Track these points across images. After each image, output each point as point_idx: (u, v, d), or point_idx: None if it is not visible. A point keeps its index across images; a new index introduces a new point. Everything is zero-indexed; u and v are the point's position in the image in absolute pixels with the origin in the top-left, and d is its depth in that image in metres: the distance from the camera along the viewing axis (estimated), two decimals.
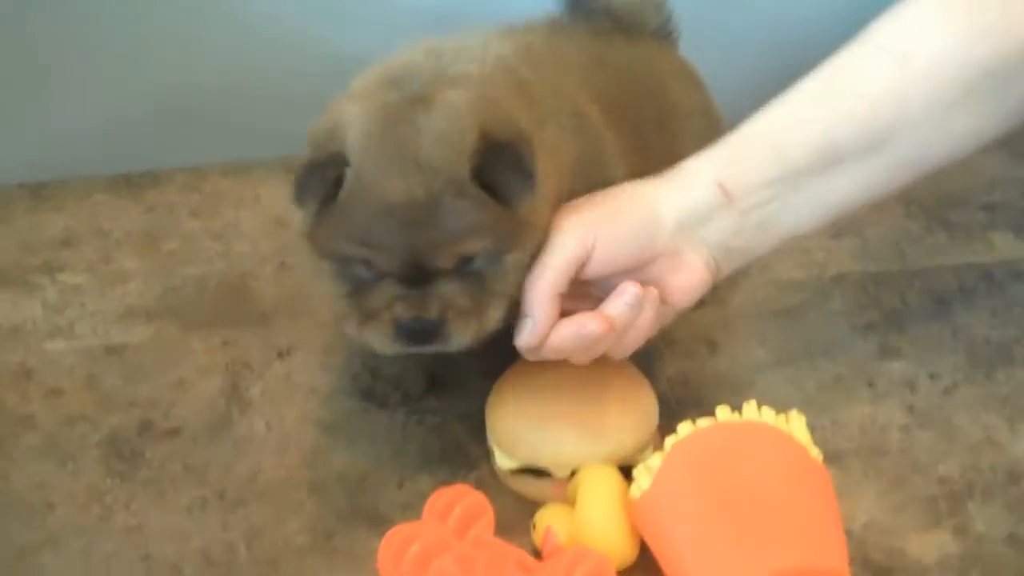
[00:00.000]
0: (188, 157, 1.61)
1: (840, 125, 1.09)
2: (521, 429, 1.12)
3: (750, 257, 1.14)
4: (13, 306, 1.40)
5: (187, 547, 1.11)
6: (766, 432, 1.07)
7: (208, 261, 1.45)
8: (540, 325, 1.05)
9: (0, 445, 1.22)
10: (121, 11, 1.54)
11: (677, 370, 1.28)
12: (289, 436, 1.22)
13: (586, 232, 1.06)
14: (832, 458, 1.17)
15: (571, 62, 1.21)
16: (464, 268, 1.03)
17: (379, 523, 1.12)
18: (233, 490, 1.17)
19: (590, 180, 1.12)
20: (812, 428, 1.19)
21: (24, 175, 1.60)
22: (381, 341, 1.05)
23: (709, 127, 1.31)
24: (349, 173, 1.01)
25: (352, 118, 1.03)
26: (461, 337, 1.04)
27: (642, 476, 1.06)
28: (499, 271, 1.05)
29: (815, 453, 1.08)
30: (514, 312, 1.08)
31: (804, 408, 1.21)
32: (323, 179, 1.01)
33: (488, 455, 1.18)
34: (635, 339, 1.08)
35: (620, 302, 1.05)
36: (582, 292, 1.09)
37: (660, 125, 1.28)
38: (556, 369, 1.15)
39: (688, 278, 1.09)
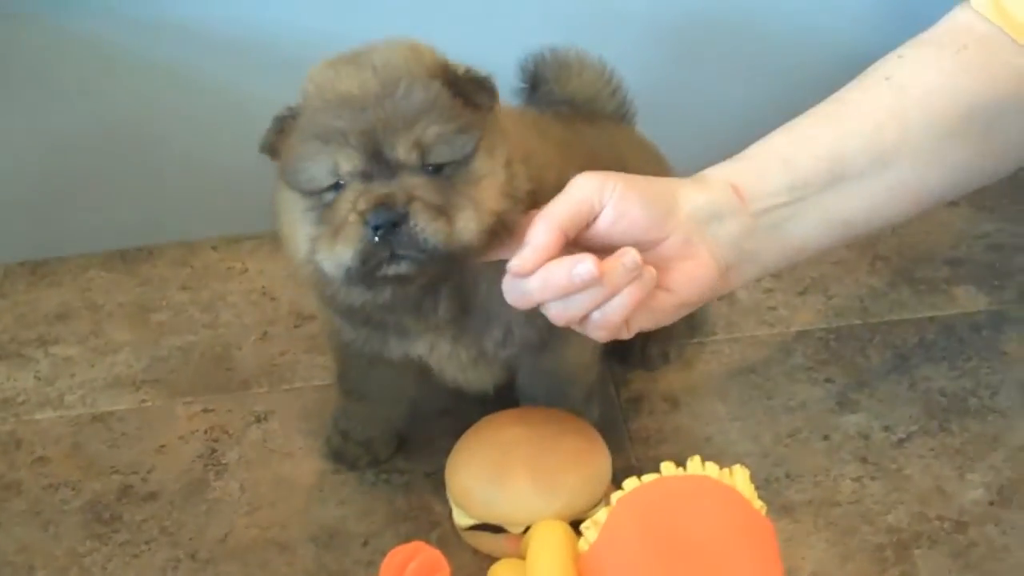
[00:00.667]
0: (182, 232, 1.67)
1: (846, 141, 1.13)
2: (476, 486, 1.16)
3: (761, 266, 1.14)
4: (7, 378, 1.46)
5: None
6: (709, 486, 1.10)
7: (194, 332, 1.51)
8: (533, 249, 1.04)
9: None
10: (119, 102, 1.61)
11: (639, 427, 1.32)
12: (262, 498, 1.27)
13: (604, 182, 1.07)
14: (784, 510, 1.21)
15: (554, 133, 1.25)
16: (430, 170, 1.04)
17: None
18: (205, 550, 1.21)
19: None
20: (766, 480, 1.24)
21: (25, 253, 1.66)
22: (350, 246, 1.03)
23: None
24: (305, 100, 1.06)
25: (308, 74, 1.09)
26: (428, 232, 1.02)
27: (589, 530, 1.10)
28: (467, 176, 1.06)
29: (759, 505, 1.11)
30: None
31: (760, 461, 1.27)
32: (279, 119, 1.08)
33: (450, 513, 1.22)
34: (620, 309, 1.05)
35: (618, 261, 1.04)
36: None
37: None
38: (512, 428, 1.20)
39: (696, 268, 1.09)
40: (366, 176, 1.05)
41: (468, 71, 1.09)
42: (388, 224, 1.02)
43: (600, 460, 1.19)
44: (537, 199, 1.09)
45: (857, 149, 1.13)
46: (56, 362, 1.48)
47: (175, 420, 1.38)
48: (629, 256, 1.04)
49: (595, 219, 1.07)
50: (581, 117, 1.35)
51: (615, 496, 1.11)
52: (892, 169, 1.13)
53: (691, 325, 1.43)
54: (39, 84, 1.58)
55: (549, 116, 1.31)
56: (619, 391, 1.37)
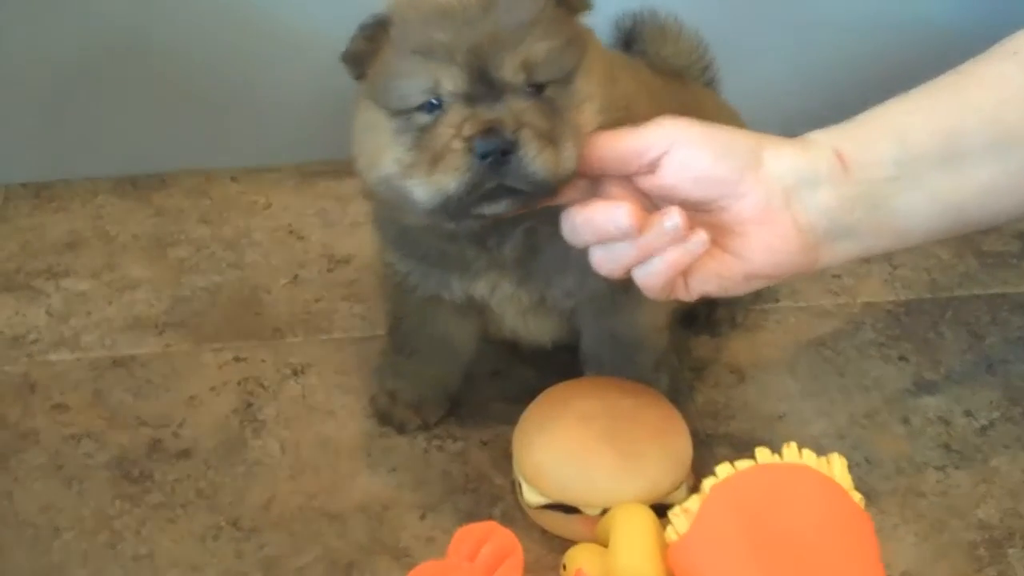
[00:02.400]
0: (197, 159, 1.56)
1: (965, 116, 1.01)
2: (550, 463, 1.08)
3: (858, 245, 1.03)
4: (15, 313, 1.35)
5: None
6: (808, 476, 1.03)
7: (219, 271, 1.41)
8: (583, 156, 0.98)
9: (2, 461, 1.17)
10: (130, 9, 1.49)
11: (706, 400, 1.24)
12: (305, 461, 1.17)
13: (674, 125, 0.99)
14: (869, 498, 1.13)
15: (642, 78, 1.18)
16: (534, 91, 0.98)
17: (401, 557, 1.08)
18: (247, 518, 1.12)
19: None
20: (847, 466, 1.16)
21: (27, 174, 1.55)
22: (454, 176, 0.96)
23: None
24: (395, 10, 0.98)
25: None
26: (538, 163, 0.95)
27: (678, 519, 1.02)
28: (571, 99, 0.99)
29: (857, 498, 1.04)
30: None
31: (837, 443, 1.19)
32: (368, 26, 0.99)
33: (513, 487, 1.14)
34: (662, 271, 0.97)
35: (658, 220, 0.96)
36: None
37: None
38: (586, 400, 1.12)
39: (773, 237, 0.99)
40: (469, 98, 0.96)
41: None
42: (497, 152, 0.95)
43: (682, 436, 1.11)
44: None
45: (976, 126, 1.01)
46: (69, 297, 1.37)
47: (204, 368, 1.28)
48: (670, 217, 0.95)
49: (658, 166, 0.99)
50: (674, 75, 1.28)
51: (708, 483, 1.03)
52: (1015, 152, 1.02)
53: (757, 290, 1.35)
54: None
55: (641, 63, 1.23)
56: (682, 360, 1.29)
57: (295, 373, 1.27)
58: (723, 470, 1.04)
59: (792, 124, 1.43)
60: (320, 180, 1.54)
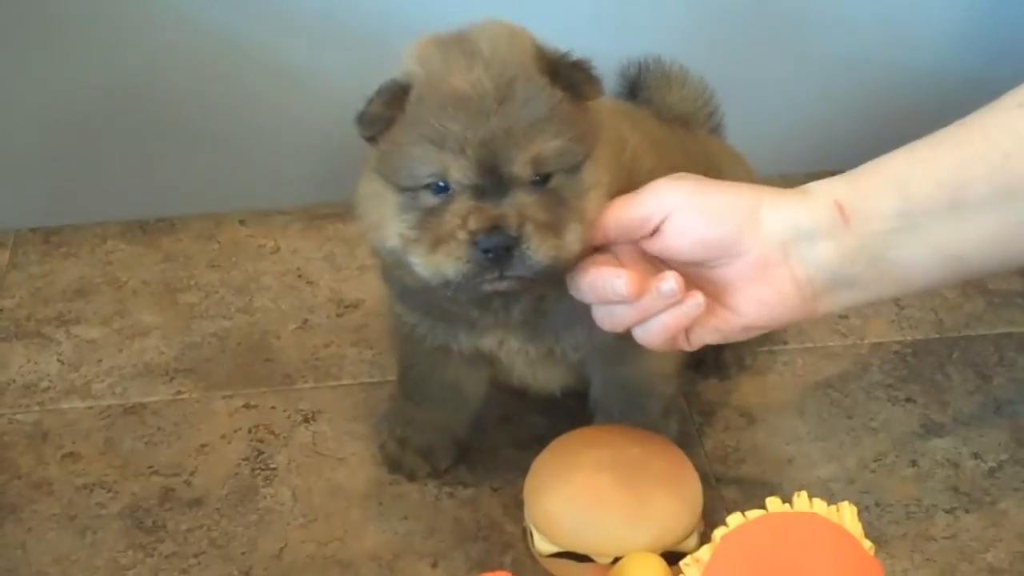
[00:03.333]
0: (204, 203, 1.57)
1: (970, 167, 1.01)
2: (562, 512, 1.08)
3: (857, 294, 1.04)
4: (27, 361, 1.35)
5: None
6: (818, 525, 1.03)
7: (228, 316, 1.41)
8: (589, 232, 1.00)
9: (15, 511, 1.18)
10: (137, 55, 1.50)
11: (715, 444, 1.25)
12: (316, 509, 1.18)
13: (672, 191, 1.01)
14: (879, 542, 1.14)
15: (647, 127, 1.19)
16: (541, 184, 0.99)
17: None
18: (260, 567, 1.13)
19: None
20: (857, 510, 1.16)
21: (36, 220, 1.56)
22: (455, 264, 0.98)
23: None
24: (414, 84, 0.99)
25: (407, 55, 1.01)
26: (540, 255, 0.98)
27: (690, 569, 1.02)
28: (577, 188, 1.00)
29: (868, 546, 1.05)
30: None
31: (846, 487, 1.20)
32: (387, 90, 0.99)
33: (524, 534, 1.14)
34: (660, 331, 1.00)
35: (656, 285, 0.98)
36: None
37: None
38: (596, 449, 1.13)
39: (769, 294, 1.01)
40: (477, 189, 0.98)
41: (570, 58, 1.02)
42: (500, 248, 0.97)
43: (692, 483, 1.11)
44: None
45: (980, 177, 1.01)
46: (79, 345, 1.38)
47: (215, 416, 1.28)
48: (666, 282, 0.98)
49: (657, 230, 1.01)
50: (678, 121, 1.29)
51: (718, 533, 1.04)
52: (1018, 203, 1.01)
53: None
54: (56, 36, 1.46)
55: (646, 112, 1.24)
56: (691, 403, 1.29)
57: (305, 420, 1.28)
58: (734, 519, 1.04)
59: (795, 165, 1.45)
60: (328, 223, 1.55)
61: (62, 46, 1.47)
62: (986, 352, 1.35)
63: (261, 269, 1.48)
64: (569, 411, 1.21)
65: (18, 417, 1.28)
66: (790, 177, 1.55)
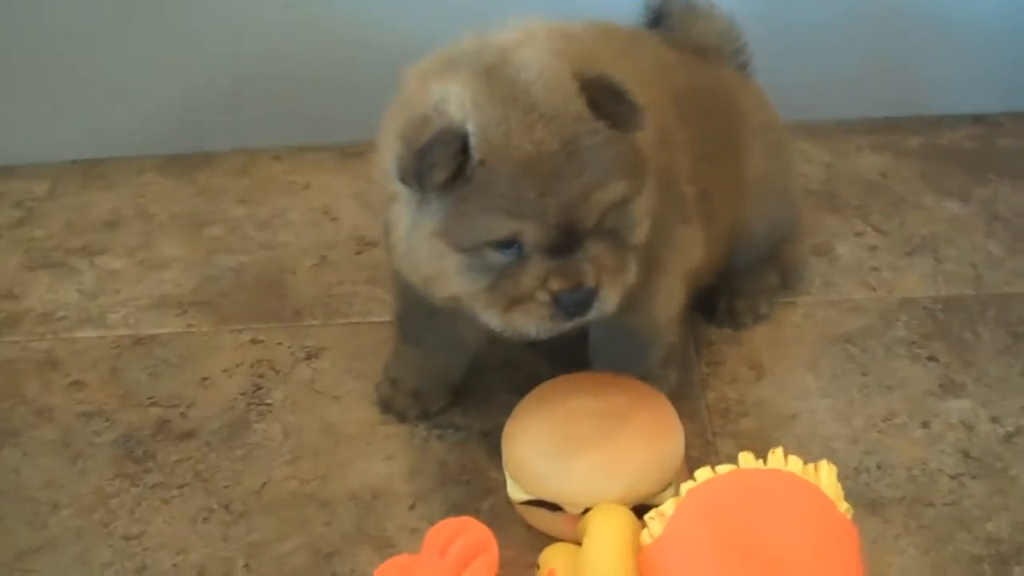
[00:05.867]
0: (242, 139, 1.57)
1: None
2: (533, 459, 1.06)
3: None
4: (48, 290, 1.38)
5: (185, 560, 1.08)
6: (790, 484, 0.99)
7: (249, 251, 1.42)
8: None
9: (15, 436, 1.20)
10: None
11: (718, 396, 1.21)
12: (305, 446, 1.18)
13: None
14: (872, 506, 1.09)
15: (647, 53, 1.17)
16: (600, 226, 0.98)
17: (383, 547, 1.08)
18: (240, 501, 1.13)
19: (658, 173, 1.06)
20: (855, 470, 1.13)
21: (78, 152, 1.57)
22: (536, 323, 0.99)
23: (776, 142, 1.27)
24: (472, 142, 0.95)
25: (452, 96, 0.97)
26: (612, 299, 0.99)
27: (654, 523, 0.99)
28: (629, 221, 1.01)
29: (844, 508, 1.00)
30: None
31: (849, 447, 1.15)
32: (446, 150, 0.94)
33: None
34: None
35: None
36: None
37: (729, 138, 1.23)
38: (578, 397, 1.10)
39: None
40: (552, 248, 0.97)
41: (609, 86, 0.97)
42: (583, 303, 0.98)
43: (671, 440, 1.08)
44: None
45: None
46: (101, 275, 1.39)
47: (221, 350, 1.29)
48: None
49: None
50: (696, 51, 1.25)
51: (685, 487, 1.00)
52: None
53: (784, 280, 1.31)
54: None
55: (650, 37, 1.21)
56: (699, 353, 1.25)
57: (308, 357, 1.27)
58: (702, 474, 1.01)
59: (827, 110, 1.37)
60: (361, 162, 1.53)
61: None
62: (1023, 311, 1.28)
63: (288, 205, 1.48)
64: (574, 356, 1.18)
65: (32, 344, 1.30)
66: (818, 123, 1.50)
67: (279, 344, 1.29)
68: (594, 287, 0.98)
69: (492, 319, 1.00)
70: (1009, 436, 1.15)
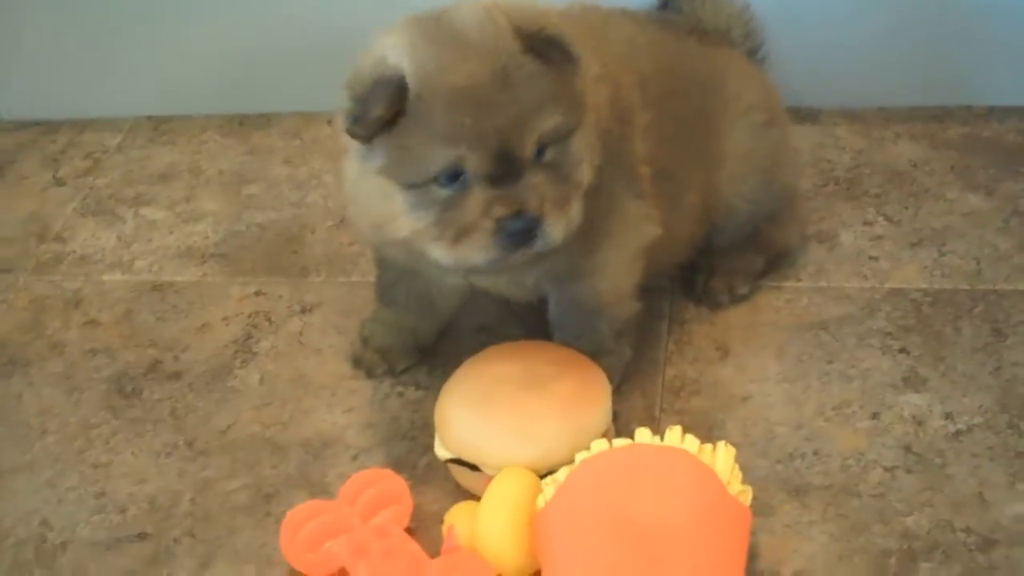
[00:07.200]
0: (302, 103, 1.64)
1: None
2: (454, 420, 1.10)
3: None
4: (92, 235, 1.48)
5: (140, 490, 1.16)
6: (682, 461, 1.01)
7: (278, 209, 1.49)
8: None
9: (27, 366, 1.31)
10: None
11: (676, 374, 1.22)
12: (275, 393, 1.25)
13: None
14: (796, 492, 1.09)
15: (618, 35, 1.19)
16: (539, 159, 1.03)
17: (319, 493, 1.14)
18: (203, 440, 1.21)
19: (609, 146, 1.10)
20: (790, 456, 1.13)
21: (153, 108, 1.68)
22: (483, 253, 1.03)
23: (765, 123, 1.27)
24: (410, 81, 1.00)
25: (389, 46, 1.03)
26: (556, 231, 1.03)
27: (548, 488, 1.02)
28: (569, 158, 1.04)
29: (737, 489, 1.01)
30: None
31: (792, 432, 1.15)
32: (384, 90, 1.00)
33: None
34: None
35: None
36: None
37: (704, 117, 1.24)
38: (508, 364, 1.13)
39: None
40: (492, 177, 1.01)
41: (545, 35, 1.02)
42: (525, 231, 1.01)
43: (591, 411, 1.10)
44: None
45: None
46: (141, 224, 1.49)
47: (226, 300, 1.37)
48: None
49: None
50: (697, 33, 1.27)
51: (579, 456, 1.03)
52: None
53: (773, 263, 1.30)
54: None
55: (629, 21, 1.23)
56: (671, 330, 1.27)
57: (303, 311, 1.34)
58: (597, 445, 1.03)
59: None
60: None
61: None
62: (1014, 309, 1.25)
63: (327, 168, 1.55)
64: (547, 324, 1.21)
65: (64, 284, 1.41)
66: (861, 110, 1.48)
67: (280, 297, 1.36)
68: (538, 216, 1.01)
69: (441, 253, 1.04)
70: (958, 434, 1.13)
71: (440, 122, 1.00)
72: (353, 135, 1.03)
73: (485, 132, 0.99)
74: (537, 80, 1.01)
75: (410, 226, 1.04)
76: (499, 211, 1.01)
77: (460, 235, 1.02)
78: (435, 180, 1.02)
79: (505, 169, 1.01)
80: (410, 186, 1.03)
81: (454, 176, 1.01)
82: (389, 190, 1.04)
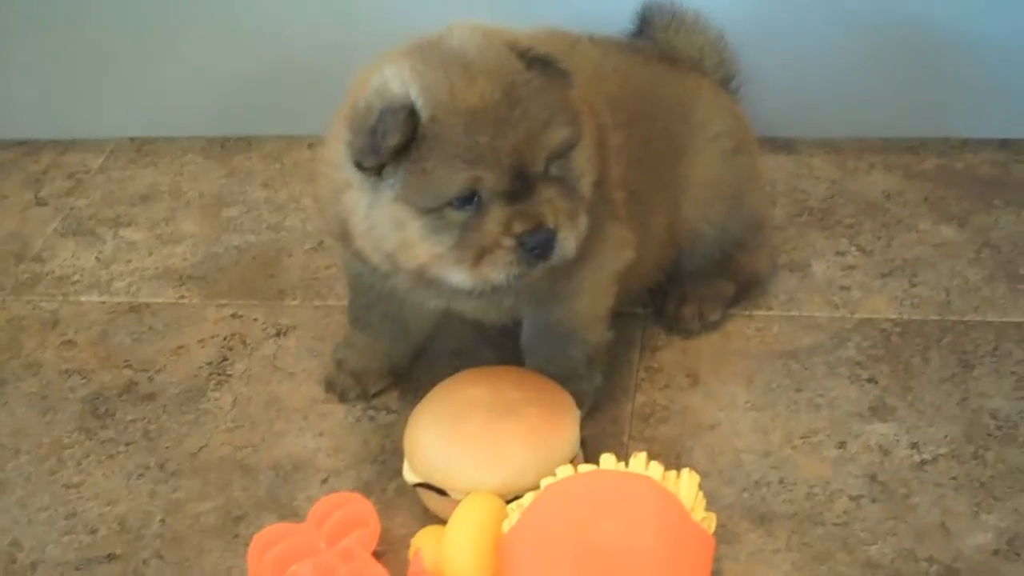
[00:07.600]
0: (283, 126, 1.65)
1: None
2: (423, 446, 1.11)
3: None
4: (71, 255, 1.49)
5: (111, 511, 1.17)
6: (645, 488, 1.02)
7: (257, 232, 1.50)
8: None
9: (2, 385, 1.32)
10: None
11: (646, 401, 1.23)
12: (247, 416, 1.25)
13: None
14: (761, 520, 1.10)
15: (584, 59, 1.20)
16: (547, 173, 1.04)
17: (288, 516, 1.14)
18: (175, 462, 1.21)
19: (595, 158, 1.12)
20: (756, 484, 1.14)
21: (136, 129, 1.69)
22: (505, 270, 1.04)
23: (733, 150, 1.28)
24: (421, 107, 1.01)
25: (390, 75, 1.04)
26: (570, 242, 1.05)
27: (514, 513, 1.03)
28: (574, 171, 1.07)
29: (700, 516, 1.02)
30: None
31: (759, 460, 1.16)
32: (395, 118, 1.01)
33: None
34: None
35: None
36: None
37: (670, 142, 1.25)
38: (477, 388, 1.14)
39: None
40: (509, 195, 1.02)
41: (538, 54, 1.05)
42: (545, 244, 1.03)
43: (558, 438, 1.10)
44: None
45: None
46: (120, 245, 1.50)
47: (203, 322, 1.38)
48: None
49: None
50: (664, 60, 1.28)
51: (544, 482, 1.04)
52: None
53: (744, 291, 1.32)
54: None
55: (595, 45, 1.24)
56: (642, 357, 1.27)
57: (278, 334, 1.35)
58: (562, 471, 1.04)
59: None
60: None
61: None
62: (982, 340, 1.26)
63: (306, 191, 1.55)
64: (520, 348, 1.22)
65: (42, 304, 1.42)
66: (837, 141, 1.49)
67: (255, 320, 1.37)
68: (554, 228, 1.03)
69: (462, 277, 1.05)
70: (923, 464, 1.14)
71: (457, 143, 1.01)
72: (362, 167, 1.04)
73: (501, 150, 1.01)
74: (542, 96, 1.03)
75: (428, 252, 1.05)
76: (519, 227, 1.03)
77: (481, 255, 1.04)
78: (450, 203, 1.03)
79: (520, 185, 1.03)
80: (426, 211, 1.03)
81: (468, 197, 1.02)
82: (403, 218, 1.04)
